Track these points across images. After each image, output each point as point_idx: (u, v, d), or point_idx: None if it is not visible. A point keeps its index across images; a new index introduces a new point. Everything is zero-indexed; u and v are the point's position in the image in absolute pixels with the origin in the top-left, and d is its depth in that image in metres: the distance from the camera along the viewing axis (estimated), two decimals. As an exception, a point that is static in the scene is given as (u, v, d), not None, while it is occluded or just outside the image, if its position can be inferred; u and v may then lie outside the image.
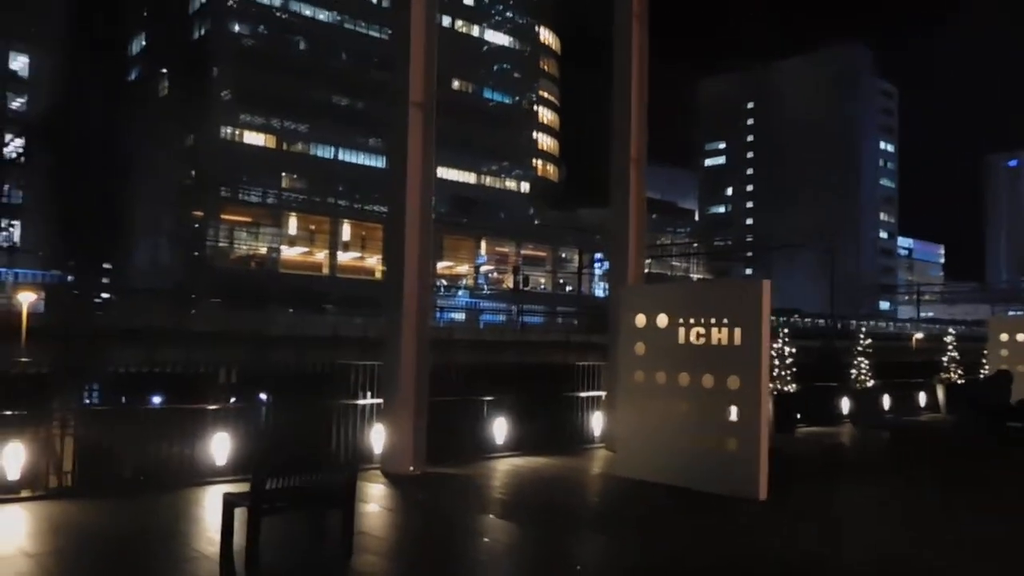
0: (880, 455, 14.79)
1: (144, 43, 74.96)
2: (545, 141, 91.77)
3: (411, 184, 11.07)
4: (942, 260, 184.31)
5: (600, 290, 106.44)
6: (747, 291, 9.89)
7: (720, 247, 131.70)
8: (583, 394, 13.97)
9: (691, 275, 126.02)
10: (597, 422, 13.86)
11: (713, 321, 9.96)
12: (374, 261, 73.60)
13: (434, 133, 11.40)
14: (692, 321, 10.17)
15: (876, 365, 19.90)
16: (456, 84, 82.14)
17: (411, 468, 10.69)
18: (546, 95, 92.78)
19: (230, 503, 6.71)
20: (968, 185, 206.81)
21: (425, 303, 11.23)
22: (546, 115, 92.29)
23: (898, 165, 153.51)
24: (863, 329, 19.81)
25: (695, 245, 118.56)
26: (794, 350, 16.65)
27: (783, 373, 16.62)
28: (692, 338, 10.17)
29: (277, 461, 6.72)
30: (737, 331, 9.73)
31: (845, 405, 19.25)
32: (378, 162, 74.80)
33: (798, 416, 17.47)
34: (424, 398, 10.89)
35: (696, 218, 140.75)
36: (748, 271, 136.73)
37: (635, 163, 13.61)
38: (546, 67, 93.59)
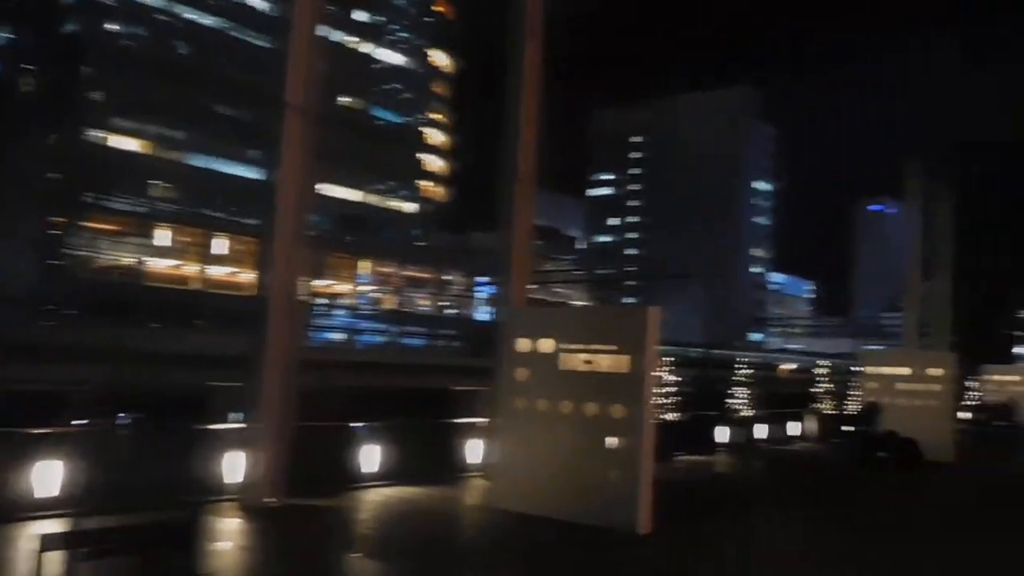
0: (757, 484, 14.75)
1: (8, 36, 70.46)
2: (435, 163, 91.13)
3: (285, 191, 10.29)
4: (810, 295, 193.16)
5: (484, 314, 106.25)
6: (634, 318, 9.55)
7: (603, 275, 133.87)
8: (462, 420, 13.37)
9: (573, 302, 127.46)
10: (476, 450, 13.26)
11: (599, 347, 9.56)
12: (251, 277, 71.04)
13: (313, 141, 10.66)
14: (577, 347, 9.75)
15: (752, 395, 20.12)
16: (345, 100, 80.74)
17: (271, 500, 9.81)
18: (438, 117, 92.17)
19: (45, 545, 5.75)
20: (837, 226, 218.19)
21: (295, 321, 10.42)
22: (437, 137, 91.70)
23: (774, 204, 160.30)
24: (743, 360, 19.99)
25: (578, 272, 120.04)
26: (679, 379, 16.55)
27: (665, 402, 16.49)
28: (576, 364, 9.74)
29: (108, 493, 5.82)
30: (623, 358, 9.36)
31: (723, 434, 19.32)
32: (260, 175, 72.38)
33: (677, 445, 17.37)
34: (288, 423, 10.06)
35: (581, 246, 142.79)
36: (630, 300, 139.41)
37: (524, 181, 13.16)
38: (439, 89, 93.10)
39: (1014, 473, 18.56)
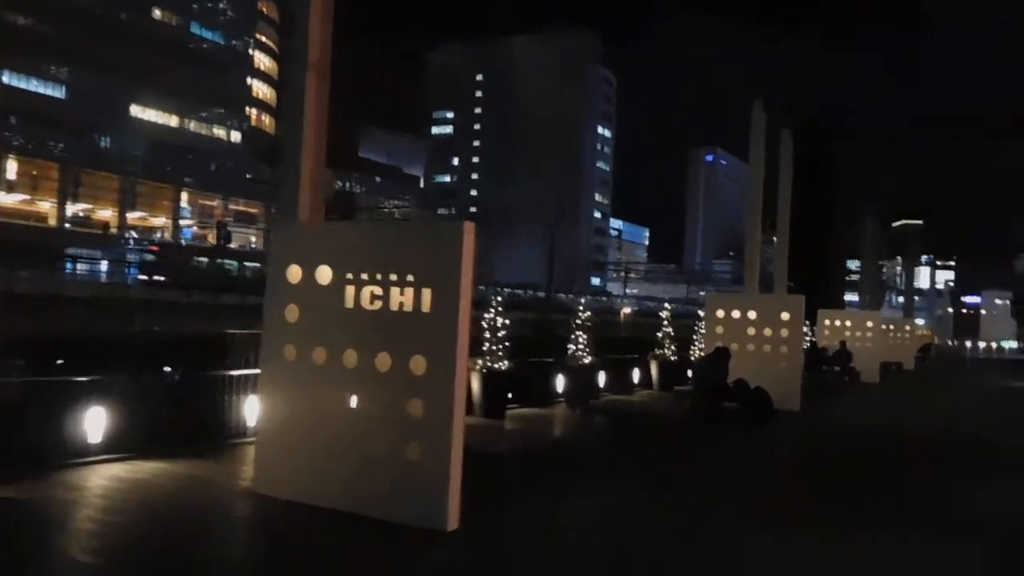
0: (596, 446, 12.68)
1: None
2: (262, 89, 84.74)
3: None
4: (647, 242, 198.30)
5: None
6: (441, 236, 6.95)
7: (443, 216, 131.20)
8: (236, 372, 10.48)
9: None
10: (253, 410, 10.42)
11: (394, 278, 6.93)
12: (48, 206, 63.80)
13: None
14: (365, 277, 7.08)
15: (592, 341, 18.21)
16: (158, 13, 73.14)
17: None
18: (265, 40, 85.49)
19: None
20: (672, 174, 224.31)
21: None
22: (264, 62, 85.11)
23: (613, 150, 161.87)
24: (583, 304, 17.94)
25: (414, 211, 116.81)
26: (507, 321, 14.20)
27: (494, 348, 14.15)
28: (365, 301, 7.08)
29: None
30: (426, 293, 6.78)
31: (561, 383, 17.31)
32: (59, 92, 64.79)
33: (509, 396, 15.19)
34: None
35: (422, 185, 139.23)
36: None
37: (315, 70, 10.25)
38: (266, 9, 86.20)
39: (863, 422, 17.57)
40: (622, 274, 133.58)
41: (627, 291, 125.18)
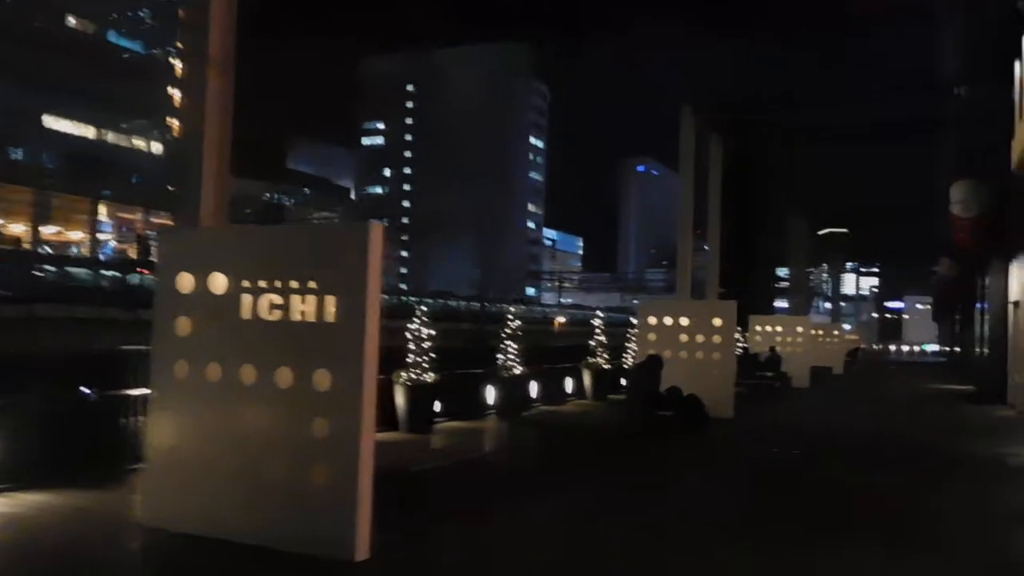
0: (527, 461, 12.13)
1: None
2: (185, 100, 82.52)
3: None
4: (581, 251, 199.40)
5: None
6: (345, 239, 6.33)
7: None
8: (135, 392, 9.64)
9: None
10: (153, 433, 9.58)
11: (295, 285, 6.29)
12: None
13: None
14: (263, 285, 6.42)
15: (525, 350, 17.74)
16: (73, 21, 70.55)
17: None
18: (187, 49, 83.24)
19: None
20: (605, 184, 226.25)
21: None
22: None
23: (547, 161, 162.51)
24: (514, 313, 17.42)
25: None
26: (432, 332, 13.58)
27: (419, 360, 13.52)
28: (263, 311, 6.42)
29: None
30: (330, 301, 6.15)
31: (492, 395, 16.76)
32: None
33: (437, 410, 14.60)
34: None
35: (353, 196, 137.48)
36: (404, 253, 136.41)
37: (216, 66, 9.59)
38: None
39: (798, 428, 17.40)
40: (556, 283, 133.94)
41: (561, 300, 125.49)
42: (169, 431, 6.81)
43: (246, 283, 6.47)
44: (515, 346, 16.66)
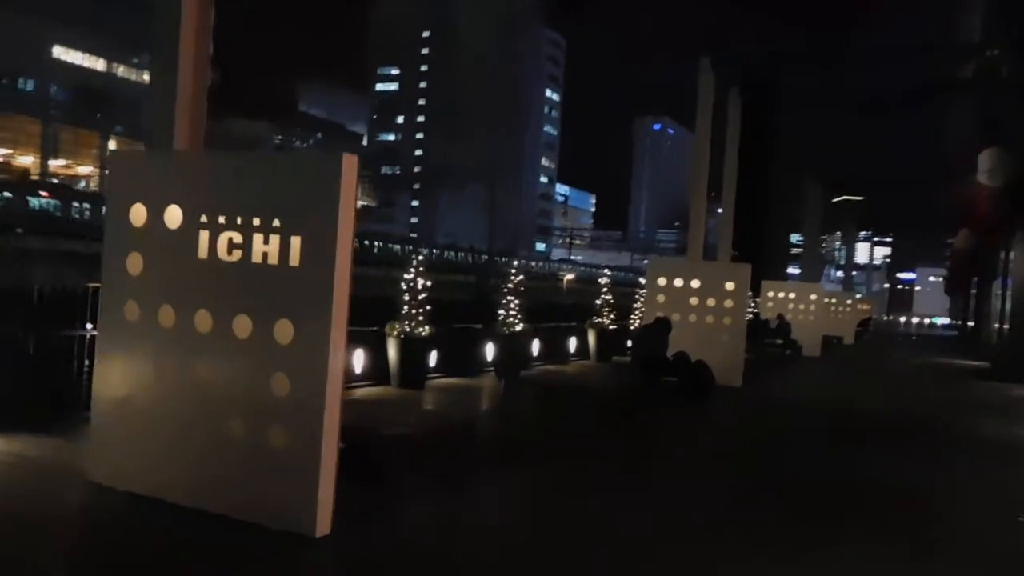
0: (517, 423, 11.46)
1: None
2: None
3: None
4: (593, 209, 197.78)
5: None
6: (314, 172, 5.55)
7: (387, 176, 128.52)
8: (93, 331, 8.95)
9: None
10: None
11: (257, 222, 5.53)
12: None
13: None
14: (223, 221, 5.66)
15: (527, 307, 17.04)
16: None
17: None
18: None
19: None
20: (619, 141, 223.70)
21: None
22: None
23: (561, 115, 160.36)
24: (520, 268, 16.65)
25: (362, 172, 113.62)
26: (428, 283, 12.85)
27: (414, 312, 12.81)
28: (221, 250, 5.67)
29: None
30: (295, 241, 5.39)
31: (490, 351, 16.08)
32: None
33: (431, 366, 13.95)
34: None
35: (364, 143, 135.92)
36: (415, 202, 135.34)
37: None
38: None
39: (808, 400, 16.71)
40: (567, 240, 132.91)
41: (572, 257, 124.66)
42: (117, 380, 6.12)
43: (204, 218, 5.71)
44: (516, 302, 15.91)
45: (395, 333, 12.71)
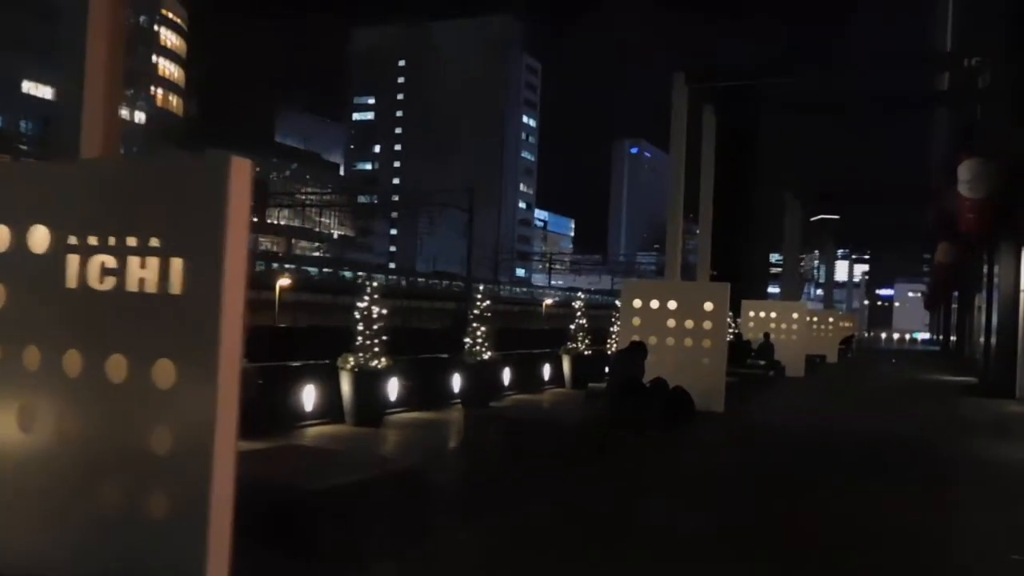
0: (473, 463, 10.50)
1: None
2: (168, 68, 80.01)
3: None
4: (572, 233, 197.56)
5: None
6: (196, 180, 4.62)
7: (364, 204, 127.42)
8: None
9: (333, 231, 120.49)
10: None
11: (132, 243, 4.60)
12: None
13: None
14: (94, 242, 4.73)
15: (502, 333, 16.16)
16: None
17: None
18: (172, 16, 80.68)
19: None
20: (597, 166, 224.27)
21: None
22: (171, 39, 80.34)
23: (538, 140, 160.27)
24: (480, 289, 15.78)
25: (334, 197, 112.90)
26: (384, 311, 11.94)
27: (369, 343, 11.89)
28: (92, 277, 4.74)
29: None
30: (176, 264, 4.47)
31: (463, 382, 15.18)
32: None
33: (391, 400, 13.03)
34: None
35: (341, 172, 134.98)
36: (393, 231, 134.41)
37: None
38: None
39: (795, 426, 15.86)
40: (547, 265, 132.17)
41: (553, 282, 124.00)
42: (-21, 434, 5.13)
43: (73, 238, 4.78)
44: (483, 329, 15.00)
45: (348, 366, 11.77)
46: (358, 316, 11.84)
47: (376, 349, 11.92)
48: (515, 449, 11.37)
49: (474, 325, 14.95)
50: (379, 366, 11.95)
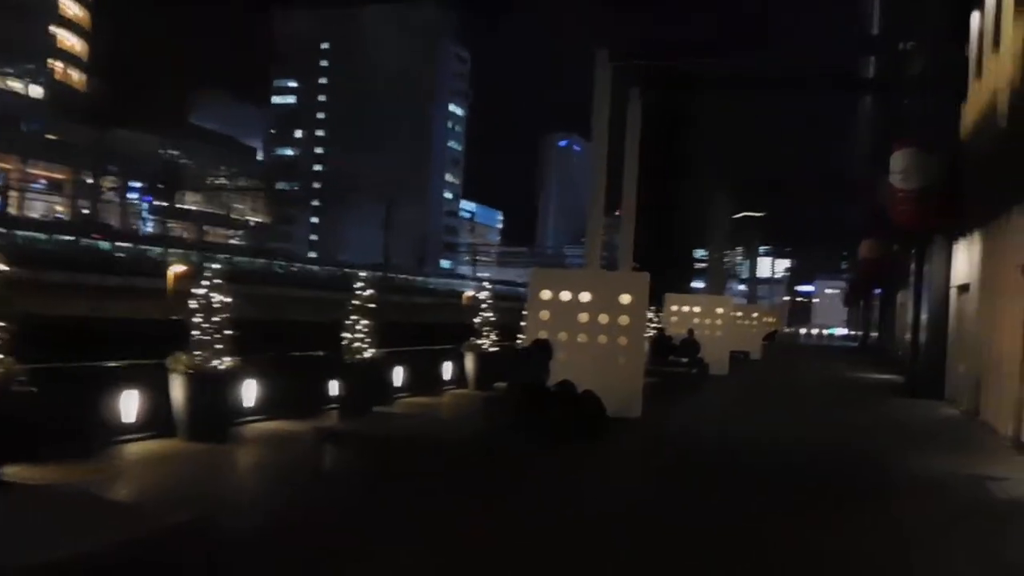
0: (343, 489, 8.41)
1: None
2: (69, 40, 75.01)
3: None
4: (500, 225, 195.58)
5: (146, 224, 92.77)
6: None
7: (284, 191, 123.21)
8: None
9: (250, 218, 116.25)
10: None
11: None
12: None
13: None
14: None
15: (405, 326, 14.01)
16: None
17: None
18: (75, -14, 75.79)
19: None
20: (526, 158, 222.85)
21: None
22: (72, 9, 75.28)
23: (466, 131, 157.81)
24: (361, 275, 13.67)
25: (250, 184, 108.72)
26: (228, 300, 9.74)
27: (208, 339, 9.67)
28: None
29: None
30: None
31: (335, 384, 13.03)
32: None
33: (248, 407, 10.84)
34: None
35: (260, 157, 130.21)
36: (314, 219, 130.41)
37: None
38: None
39: (720, 434, 14.16)
40: (472, 257, 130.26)
41: (478, 274, 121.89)
42: None
43: None
44: (365, 322, 12.86)
45: (180, 368, 9.53)
46: (195, 306, 9.61)
47: (219, 346, 9.71)
48: (389, 467, 9.23)
49: (353, 318, 12.77)
50: (222, 367, 9.75)
